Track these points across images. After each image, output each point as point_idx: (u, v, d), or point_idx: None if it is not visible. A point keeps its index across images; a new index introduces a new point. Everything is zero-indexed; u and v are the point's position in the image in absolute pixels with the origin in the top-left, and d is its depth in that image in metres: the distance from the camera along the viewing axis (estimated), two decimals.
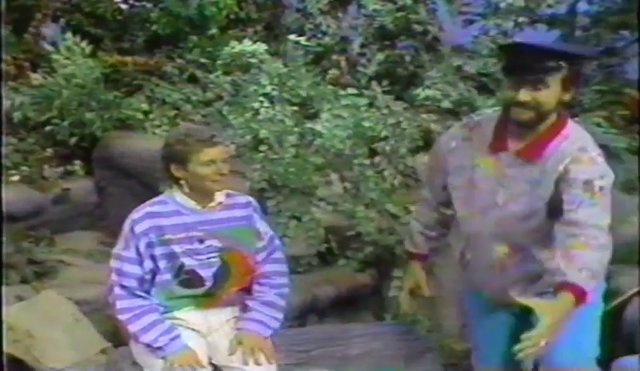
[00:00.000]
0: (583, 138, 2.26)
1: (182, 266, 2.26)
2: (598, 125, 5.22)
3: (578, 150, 2.18)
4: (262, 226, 2.40)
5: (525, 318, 2.24)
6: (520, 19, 6.44)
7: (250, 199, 2.43)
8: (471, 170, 2.28)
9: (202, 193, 2.29)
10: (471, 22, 6.86)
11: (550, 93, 2.14)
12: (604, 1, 6.65)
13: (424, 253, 2.57)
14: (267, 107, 5.28)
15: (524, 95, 2.12)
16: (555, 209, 2.17)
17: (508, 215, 2.23)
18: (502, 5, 6.49)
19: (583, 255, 2.03)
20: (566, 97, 2.19)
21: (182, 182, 2.27)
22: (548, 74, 2.13)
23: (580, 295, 2.00)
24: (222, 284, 2.32)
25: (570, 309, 2.00)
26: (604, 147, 4.91)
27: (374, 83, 5.83)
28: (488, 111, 2.41)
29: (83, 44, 5.25)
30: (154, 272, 2.26)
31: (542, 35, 6.80)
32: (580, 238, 2.05)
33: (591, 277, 2.03)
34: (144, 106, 5.29)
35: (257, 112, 5.25)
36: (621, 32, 6.59)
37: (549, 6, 6.59)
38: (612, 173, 2.22)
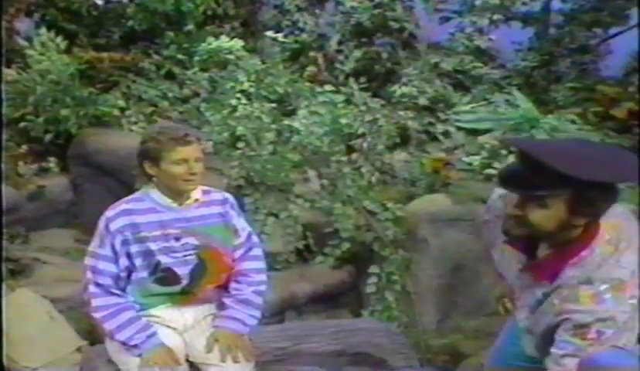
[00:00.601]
0: (599, 265, 1.79)
1: (158, 263, 2.24)
2: (572, 122, 5.29)
3: (582, 282, 1.79)
4: (239, 222, 2.39)
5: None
6: (495, 17, 6.52)
7: (227, 195, 2.41)
8: (500, 250, 2.01)
9: (175, 191, 2.28)
10: (448, 19, 6.92)
11: (549, 214, 1.74)
12: None
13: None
14: (245, 104, 5.28)
15: (512, 210, 1.79)
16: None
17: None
18: (478, 2, 6.57)
19: None
20: (578, 221, 1.76)
21: (155, 179, 2.26)
22: (545, 193, 1.73)
23: None
24: (199, 282, 2.31)
25: None
26: None
27: (351, 80, 5.86)
28: None
29: (58, 40, 5.21)
30: (130, 270, 2.25)
31: (516, 33, 6.88)
32: None
33: None
34: (121, 102, 5.25)
35: (234, 109, 5.24)
36: (594, 29, 6.68)
37: (524, 4, 6.68)
38: (628, 311, 1.78)
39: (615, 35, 6.68)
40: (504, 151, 5.01)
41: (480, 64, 6.36)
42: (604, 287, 1.77)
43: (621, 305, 1.77)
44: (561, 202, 1.73)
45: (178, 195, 2.28)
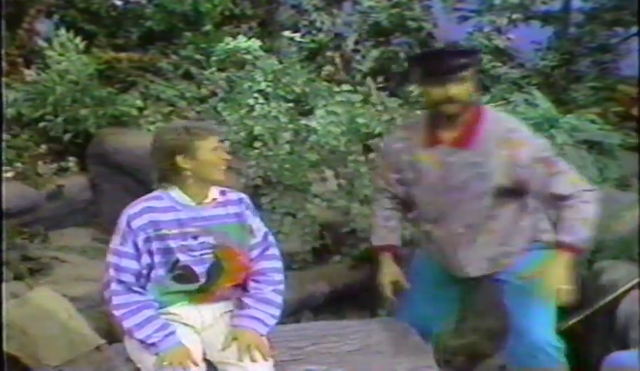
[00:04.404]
0: (505, 120, 2.59)
1: (176, 261, 2.26)
2: (592, 122, 5.24)
3: (508, 131, 2.49)
4: (255, 222, 2.40)
5: (459, 297, 2.82)
6: (514, 16, 6.47)
7: (243, 195, 2.43)
8: (415, 164, 2.62)
9: (201, 186, 2.30)
10: (466, 18, 6.88)
11: (469, 86, 2.49)
12: None
13: (392, 244, 2.80)
14: (262, 104, 5.28)
15: (452, 90, 2.45)
16: (519, 190, 2.51)
17: (463, 197, 2.53)
18: (497, 1, 6.52)
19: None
20: (477, 89, 2.56)
21: (188, 173, 2.27)
22: (466, 70, 2.47)
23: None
24: (216, 280, 2.32)
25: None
26: (598, 143, 4.97)
27: (369, 80, 5.85)
28: (419, 113, 2.86)
29: (77, 40, 5.24)
30: (151, 267, 2.26)
31: (536, 32, 6.83)
32: (566, 206, 2.47)
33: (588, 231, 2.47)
34: (139, 102, 5.27)
35: (251, 108, 5.25)
36: (615, 28, 6.61)
37: (544, 3, 6.62)
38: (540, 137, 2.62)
39: (636, 33, 6.60)
40: None
41: (499, 64, 6.32)
42: (525, 129, 2.56)
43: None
44: (471, 76, 2.48)
45: (199, 193, 2.30)
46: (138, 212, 2.25)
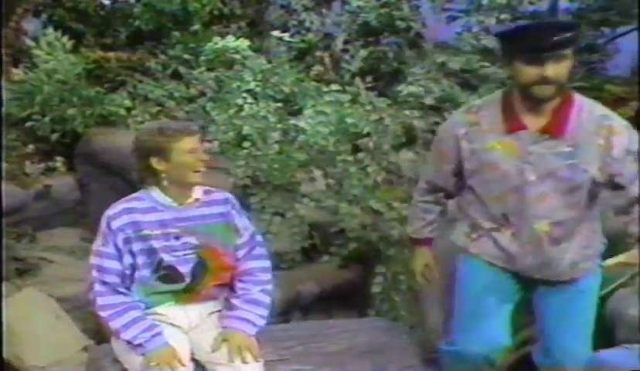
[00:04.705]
0: (597, 107, 2.29)
1: (160, 261, 2.25)
2: None
3: (602, 118, 2.25)
4: (241, 222, 2.39)
5: (522, 304, 2.45)
6: (502, 16, 6.49)
7: (228, 195, 2.41)
8: (484, 154, 2.29)
9: (181, 187, 2.28)
10: (454, 18, 6.90)
11: (565, 66, 2.17)
12: None
13: (428, 237, 2.62)
14: (251, 104, 5.29)
15: (550, 70, 2.14)
16: (601, 183, 2.26)
17: (547, 191, 2.24)
18: (485, 2, 6.54)
19: None
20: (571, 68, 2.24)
21: (164, 174, 2.26)
22: (568, 47, 2.16)
23: None
24: (201, 280, 2.31)
25: None
26: None
27: (357, 80, 5.85)
28: (485, 98, 2.47)
29: (65, 39, 5.22)
30: (134, 267, 2.25)
31: None
32: None
33: None
34: (127, 102, 5.26)
35: (240, 108, 5.25)
36: (602, 29, 6.65)
37: (531, 3, 6.65)
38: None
39: (623, 34, 6.65)
40: None
41: (487, 63, 6.33)
42: (619, 118, 2.27)
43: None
44: (571, 52, 2.17)
45: (181, 193, 2.28)
46: (118, 213, 2.25)
